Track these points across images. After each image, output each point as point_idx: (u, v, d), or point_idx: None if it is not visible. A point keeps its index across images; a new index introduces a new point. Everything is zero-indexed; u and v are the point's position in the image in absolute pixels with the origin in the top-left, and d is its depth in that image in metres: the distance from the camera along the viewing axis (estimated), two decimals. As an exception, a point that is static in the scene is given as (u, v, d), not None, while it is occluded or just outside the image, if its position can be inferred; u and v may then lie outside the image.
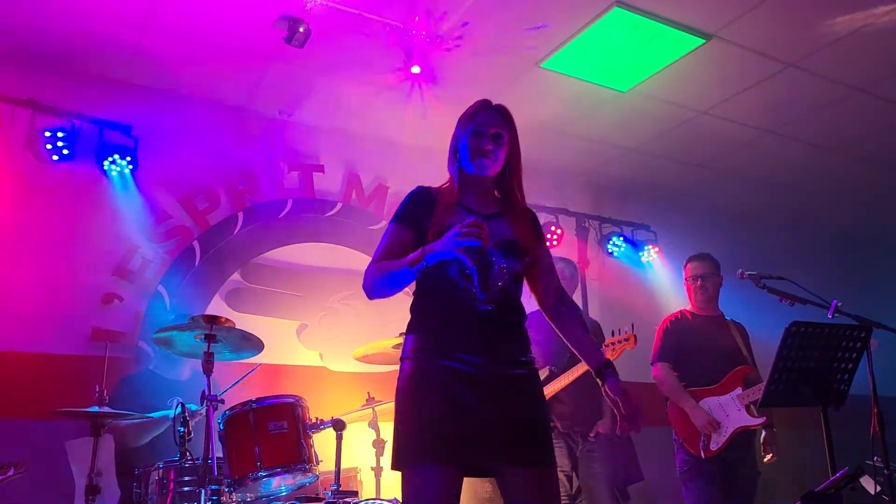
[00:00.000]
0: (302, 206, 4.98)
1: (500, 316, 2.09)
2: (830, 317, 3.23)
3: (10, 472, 2.85)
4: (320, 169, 5.07)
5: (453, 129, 2.29)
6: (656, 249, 6.00)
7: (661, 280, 5.95)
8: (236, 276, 4.70)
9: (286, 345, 4.67)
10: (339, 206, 5.11)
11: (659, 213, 6.25)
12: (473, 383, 1.99)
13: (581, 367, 3.86)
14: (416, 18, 3.95)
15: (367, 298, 2.18)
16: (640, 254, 5.99)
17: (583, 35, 4.16)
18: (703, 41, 4.24)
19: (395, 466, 1.99)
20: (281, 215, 4.92)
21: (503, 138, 2.21)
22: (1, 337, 3.85)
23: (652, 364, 4.10)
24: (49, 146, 4.03)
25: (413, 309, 2.18)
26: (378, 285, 2.11)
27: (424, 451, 1.93)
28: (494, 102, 2.28)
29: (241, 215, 4.77)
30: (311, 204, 5.02)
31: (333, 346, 4.79)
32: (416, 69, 4.27)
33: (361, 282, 2.16)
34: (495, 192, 2.30)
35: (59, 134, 4.06)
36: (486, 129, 2.19)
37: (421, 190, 2.23)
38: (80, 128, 4.13)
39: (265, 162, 4.91)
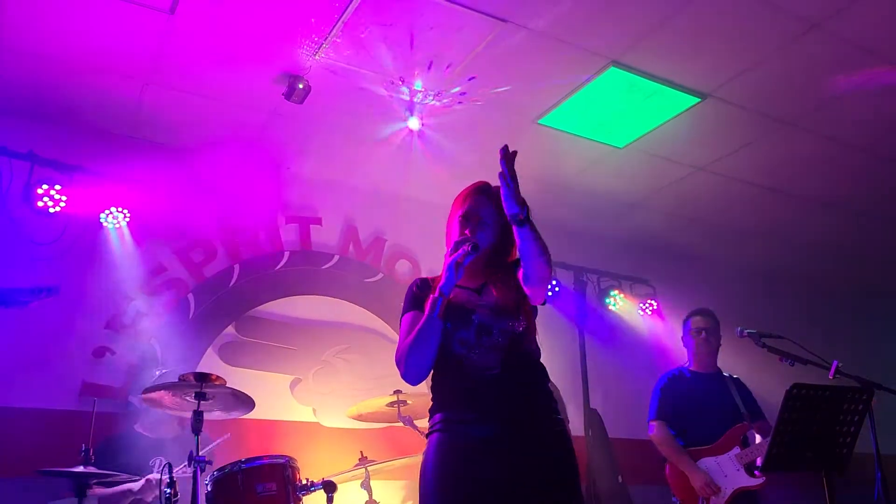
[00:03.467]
0: (299, 258, 4.97)
1: (510, 378, 2.11)
2: (831, 378, 3.19)
3: None
4: (318, 222, 5.07)
5: (450, 191, 2.38)
6: (654, 304, 5.97)
7: (660, 335, 5.91)
8: (230, 329, 4.65)
9: (279, 400, 4.60)
10: (337, 258, 5.09)
11: (657, 267, 6.24)
12: (491, 451, 2.03)
13: None
14: (413, 73, 4.00)
15: (402, 378, 2.21)
16: (639, 308, 5.95)
17: (580, 93, 4.21)
18: (699, 100, 4.29)
19: None
20: (277, 268, 4.90)
21: (486, 221, 2.26)
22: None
23: (649, 422, 4.04)
24: (46, 199, 4.03)
25: (431, 389, 2.27)
26: (412, 353, 2.14)
27: None
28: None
29: (237, 268, 4.75)
30: (308, 257, 5.01)
31: (327, 402, 4.71)
32: (414, 124, 4.31)
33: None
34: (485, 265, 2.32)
35: (57, 186, 4.06)
36: (474, 213, 2.28)
37: (419, 280, 2.36)
38: (77, 180, 4.14)
39: (263, 215, 4.91)
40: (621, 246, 6.24)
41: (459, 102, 4.26)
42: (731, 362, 4.25)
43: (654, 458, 4.09)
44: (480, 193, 2.31)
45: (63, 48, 3.75)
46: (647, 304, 5.94)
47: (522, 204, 2.03)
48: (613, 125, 4.59)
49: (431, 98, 4.23)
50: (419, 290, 2.28)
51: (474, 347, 2.12)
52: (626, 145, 4.81)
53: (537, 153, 4.83)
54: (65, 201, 4.07)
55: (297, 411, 4.66)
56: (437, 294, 2.11)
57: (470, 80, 4.06)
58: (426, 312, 2.11)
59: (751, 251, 6.50)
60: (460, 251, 2.10)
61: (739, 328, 3.55)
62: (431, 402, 2.23)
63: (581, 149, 4.84)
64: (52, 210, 4.05)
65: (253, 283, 4.78)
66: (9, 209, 4.02)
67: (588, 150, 4.86)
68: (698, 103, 4.32)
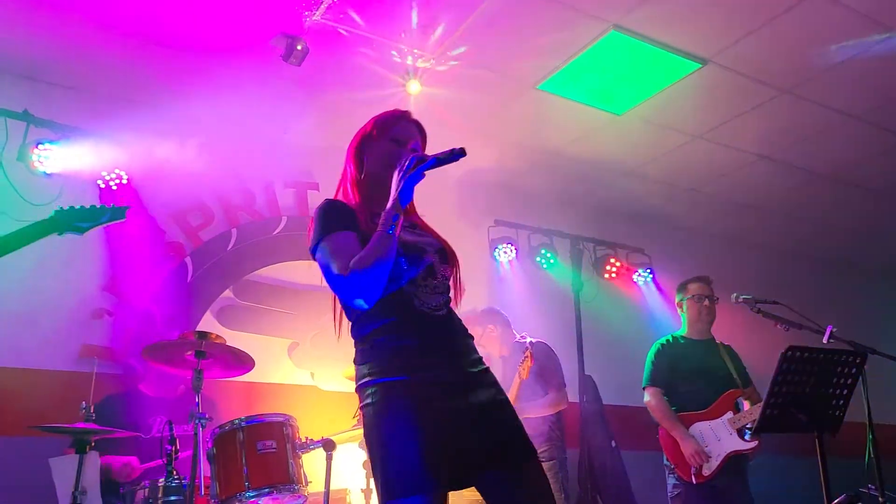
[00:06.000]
0: (296, 223, 4.96)
1: (452, 320, 2.04)
2: (826, 342, 3.23)
3: None
4: (315, 187, 5.06)
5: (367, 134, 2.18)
6: (650, 272, 6.00)
7: (654, 304, 5.95)
8: (228, 293, 4.66)
9: (277, 363, 4.63)
10: (334, 223, 5.08)
11: (653, 236, 6.26)
12: (446, 395, 1.90)
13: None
14: (412, 36, 3.96)
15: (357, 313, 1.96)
16: (634, 277, 5.98)
17: (580, 58, 4.18)
18: (699, 66, 4.27)
19: (384, 500, 1.86)
20: (275, 233, 4.89)
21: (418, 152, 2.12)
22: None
23: (643, 389, 4.09)
24: (42, 159, 4.00)
25: (360, 332, 1.98)
26: (373, 269, 1.84)
27: (413, 484, 1.80)
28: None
29: (234, 232, 4.75)
30: (305, 222, 4.97)
31: (325, 365, 4.74)
32: (413, 88, 4.28)
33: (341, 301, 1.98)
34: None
35: (53, 146, 4.03)
36: (407, 140, 2.13)
37: (334, 200, 2.09)
38: (74, 141, 4.11)
39: (260, 179, 4.90)
40: (618, 214, 6.25)
41: (457, 66, 4.22)
42: (725, 331, 4.29)
43: (647, 424, 4.15)
44: (412, 123, 2.17)
45: (56, 5, 3.69)
46: (642, 273, 5.97)
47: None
48: (613, 91, 4.57)
49: (430, 62, 4.19)
50: (343, 209, 2.02)
51: (420, 287, 1.97)
52: (625, 112, 4.79)
53: (535, 119, 4.81)
54: (61, 162, 4.04)
55: (296, 374, 4.70)
56: (391, 209, 1.89)
57: (468, 44, 4.03)
58: (380, 228, 1.88)
59: (747, 222, 6.52)
60: (415, 161, 1.90)
61: (735, 294, 3.59)
62: (361, 343, 1.97)
63: (580, 115, 4.82)
64: (48, 171, 4.02)
65: (250, 247, 4.78)
66: (5, 169, 3.99)
67: (587, 116, 4.84)
68: (699, 69, 4.30)
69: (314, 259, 2.01)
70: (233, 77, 4.33)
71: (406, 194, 1.93)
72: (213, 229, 4.69)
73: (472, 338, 2.09)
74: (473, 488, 1.95)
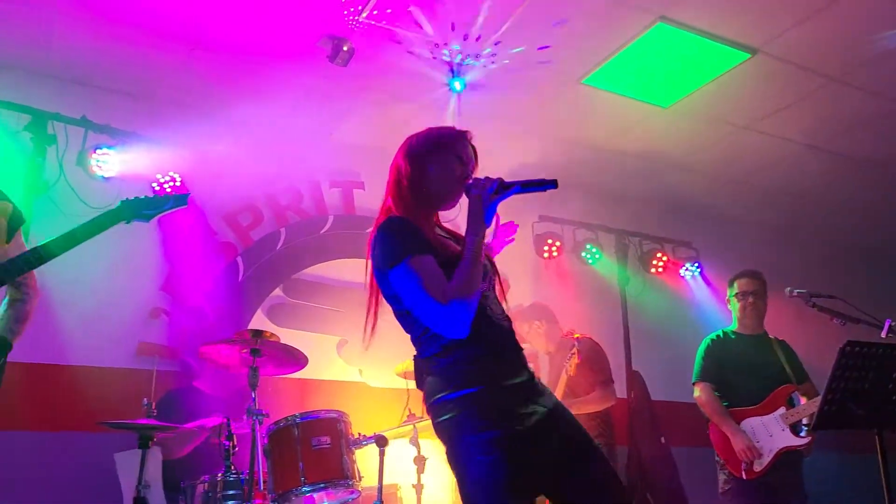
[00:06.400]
0: (342, 222, 5.03)
1: (511, 327, 2.08)
2: (884, 336, 3.16)
3: None
4: (361, 186, 5.13)
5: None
6: (698, 267, 5.92)
7: (703, 299, 5.87)
8: (278, 291, 4.75)
9: (326, 360, 4.70)
10: (379, 222, 5.14)
11: (700, 229, 6.18)
12: (520, 401, 1.94)
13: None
14: (456, 34, 3.97)
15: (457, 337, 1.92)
16: (681, 271, 5.91)
17: (625, 51, 4.15)
18: (749, 56, 4.20)
19: None
20: (322, 231, 4.97)
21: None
22: (52, 350, 3.93)
23: (693, 385, 4.05)
24: (100, 163, 4.14)
25: (435, 344, 1.96)
26: (470, 301, 1.89)
27: (502, 496, 1.83)
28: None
29: (283, 231, 4.84)
30: (351, 220, 5.07)
31: (373, 362, 4.80)
32: (457, 86, 4.30)
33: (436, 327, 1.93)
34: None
35: (110, 151, 4.16)
36: (468, 162, 2.13)
37: (399, 217, 2.06)
38: (130, 145, 4.23)
39: (307, 179, 4.97)
40: (664, 208, 6.18)
41: (501, 63, 4.22)
42: (779, 325, 4.22)
43: (697, 420, 4.11)
44: (471, 145, 2.17)
45: (114, 14, 3.80)
46: (690, 267, 5.90)
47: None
48: (659, 84, 4.52)
49: (474, 59, 4.20)
50: (417, 230, 2.00)
51: (487, 298, 2.02)
52: (672, 105, 4.74)
53: (580, 114, 4.78)
54: (118, 166, 4.17)
55: (345, 371, 4.76)
56: (479, 236, 1.92)
57: (512, 40, 4.03)
58: (468, 254, 1.91)
59: (798, 213, 6.39)
60: (498, 186, 1.94)
61: (789, 288, 3.53)
62: (441, 356, 1.96)
63: (625, 109, 4.78)
64: (105, 175, 4.15)
65: (299, 246, 4.87)
66: (65, 173, 4.13)
67: (632, 109, 4.79)
68: (748, 59, 4.23)
69: (385, 275, 1.99)
70: (280, 79, 4.42)
71: (490, 217, 1.96)
72: (262, 229, 4.78)
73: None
74: None
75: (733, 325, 4.16)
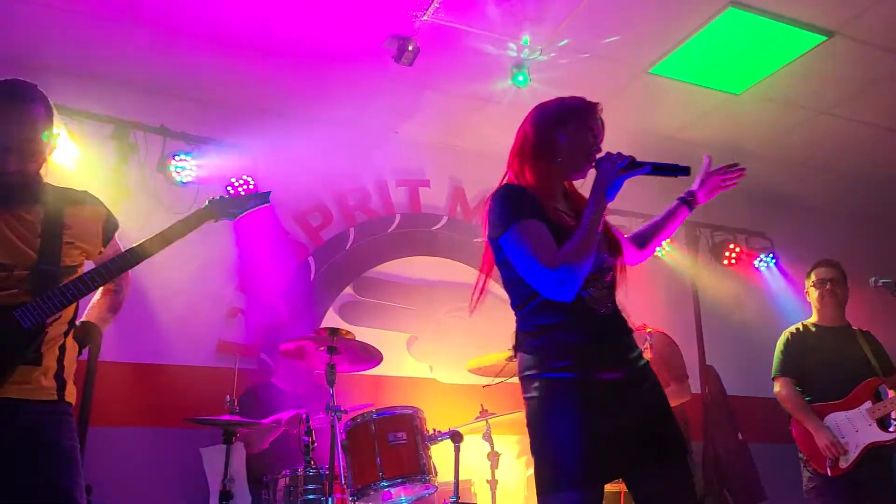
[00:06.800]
0: (409, 220, 5.09)
1: (616, 318, 2.04)
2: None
3: None
4: (426, 184, 5.17)
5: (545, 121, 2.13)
6: (773, 258, 5.75)
7: (779, 291, 5.70)
8: (349, 289, 4.83)
9: (398, 357, 4.75)
10: (445, 219, 5.18)
11: (775, 219, 5.99)
12: (611, 394, 1.91)
13: None
14: (521, 29, 3.96)
15: (555, 299, 1.91)
16: (756, 262, 5.75)
17: (695, 38, 4.06)
18: (825, 38, 4.05)
19: (546, 492, 1.89)
20: (390, 230, 5.03)
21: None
22: (140, 350, 4.11)
23: (773, 379, 3.94)
24: (178, 169, 4.30)
25: (532, 322, 1.98)
26: (581, 264, 1.86)
27: (575, 479, 1.84)
28: (601, 110, 2.17)
29: (352, 231, 4.92)
30: (418, 218, 5.12)
31: (443, 359, 4.84)
32: (521, 81, 4.28)
33: (535, 288, 1.93)
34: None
35: (188, 157, 4.32)
36: (598, 135, 2.10)
37: (517, 187, 2.07)
38: (205, 151, 4.39)
39: (374, 178, 5.04)
40: (735, 198, 5.99)
41: (566, 54, 4.18)
42: (863, 317, 4.06)
43: (777, 415, 3.99)
44: (600, 119, 2.13)
45: (190, 29, 3.94)
46: (764, 258, 5.73)
47: None
48: (730, 71, 4.40)
49: (539, 53, 4.18)
50: (528, 196, 1.99)
51: (592, 283, 1.96)
52: (744, 91, 4.61)
53: (647, 104, 4.71)
54: (195, 171, 4.32)
55: (415, 368, 4.81)
56: (600, 206, 1.90)
57: (577, 31, 3.98)
58: (585, 222, 1.89)
59: (878, 200, 6.12)
60: (629, 163, 1.92)
61: (873, 278, 3.40)
62: (536, 335, 1.97)
63: (694, 97, 4.68)
64: (184, 180, 4.31)
65: (368, 245, 4.94)
66: (145, 180, 4.30)
67: (702, 98, 4.69)
68: (824, 42, 4.08)
69: (495, 243, 2.01)
70: (346, 80, 4.49)
71: (614, 192, 1.94)
72: (332, 229, 4.87)
73: (632, 332, 2.09)
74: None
75: (813, 318, 4.03)
